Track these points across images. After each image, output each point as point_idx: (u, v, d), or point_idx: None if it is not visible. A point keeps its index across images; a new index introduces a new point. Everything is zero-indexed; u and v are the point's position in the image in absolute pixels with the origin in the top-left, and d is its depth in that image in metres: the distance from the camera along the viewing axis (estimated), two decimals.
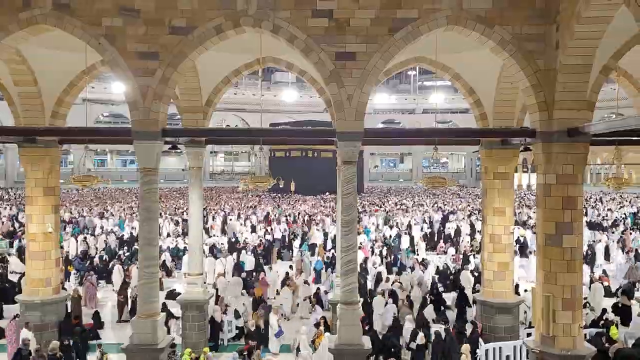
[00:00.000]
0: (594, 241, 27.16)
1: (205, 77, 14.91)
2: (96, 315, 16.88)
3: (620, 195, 52.41)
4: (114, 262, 21.96)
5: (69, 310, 15.71)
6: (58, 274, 15.18)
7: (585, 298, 16.20)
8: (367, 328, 14.50)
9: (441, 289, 19.84)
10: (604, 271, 22.03)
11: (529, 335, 13.47)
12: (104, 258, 23.51)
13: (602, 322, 14.91)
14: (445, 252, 25.95)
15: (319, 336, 13.85)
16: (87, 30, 11.05)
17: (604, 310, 15.93)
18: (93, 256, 23.99)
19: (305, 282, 19.56)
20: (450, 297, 18.66)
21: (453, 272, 21.75)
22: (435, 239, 29.65)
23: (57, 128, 14.29)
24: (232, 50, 13.68)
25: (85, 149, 14.49)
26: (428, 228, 32.58)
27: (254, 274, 21.31)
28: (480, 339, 13.78)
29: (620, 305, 17.12)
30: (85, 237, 28.12)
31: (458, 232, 30.56)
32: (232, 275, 21.13)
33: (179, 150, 15.09)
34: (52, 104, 14.33)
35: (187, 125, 15.30)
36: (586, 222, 33.47)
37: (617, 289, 19.32)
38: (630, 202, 47.15)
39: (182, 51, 11.14)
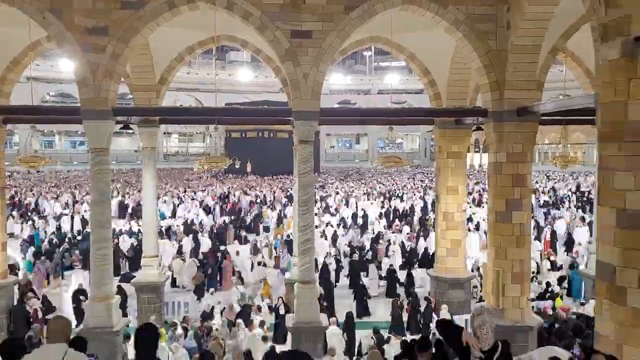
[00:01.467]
0: (553, 219, 27.99)
1: (158, 54, 14.50)
2: (45, 300, 16.35)
3: (564, 175, 54.48)
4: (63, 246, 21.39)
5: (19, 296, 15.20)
6: (5, 259, 14.65)
7: (533, 272, 16.88)
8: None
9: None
10: (551, 246, 22.85)
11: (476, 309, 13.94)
12: (53, 241, 22.81)
13: (548, 294, 15.57)
14: (400, 231, 26.39)
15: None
16: (31, 3, 10.54)
17: (548, 284, 16.63)
18: (42, 239, 23.26)
19: (259, 263, 19.57)
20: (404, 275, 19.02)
21: (408, 249, 22.17)
22: (390, 218, 30.08)
23: (1, 106, 13.65)
24: (185, 27, 13.34)
25: (31, 129, 13.95)
26: (382, 208, 32.98)
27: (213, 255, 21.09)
28: (433, 314, 14.18)
29: (567, 278, 17.91)
30: (33, 221, 27.21)
31: (412, 210, 31.12)
32: (190, 257, 20.88)
33: (131, 131, 14.74)
34: None
35: (139, 104, 14.90)
36: (544, 201, 34.68)
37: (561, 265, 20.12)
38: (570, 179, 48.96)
39: (133, 26, 10.79)
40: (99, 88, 10.87)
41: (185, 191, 39.56)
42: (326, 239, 22.68)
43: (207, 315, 14.39)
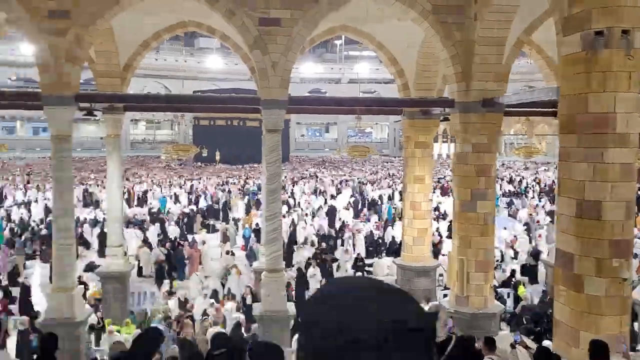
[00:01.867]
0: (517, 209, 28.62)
1: (123, 39, 14.17)
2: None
3: (526, 166, 55.75)
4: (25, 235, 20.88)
5: None
6: None
7: (497, 261, 17.26)
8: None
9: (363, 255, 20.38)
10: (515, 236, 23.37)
11: (445, 296, 14.20)
12: (15, 231, 22.23)
13: (511, 282, 15.94)
14: (369, 220, 26.59)
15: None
16: None
17: (513, 271, 17.03)
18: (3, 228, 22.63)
19: (228, 252, 19.47)
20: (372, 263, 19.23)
21: (376, 238, 22.37)
22: (359, 207, 30.27)
23: None
24: (152, 12, 13.07)
25: None
26: (351, 197, 33.15)
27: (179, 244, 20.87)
28: None
29: (528, 265, 18.36)
30: None
31: (380, 199, 31.38)
32: (157, 246, 20.63)
33: (96, 117, 14.37)
34: None
35: (103, 90, 14.55)
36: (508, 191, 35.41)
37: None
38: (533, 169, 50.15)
39: (96, 10, 10.50)
40: (61, 73, 10.58)
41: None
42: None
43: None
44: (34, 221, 24.43)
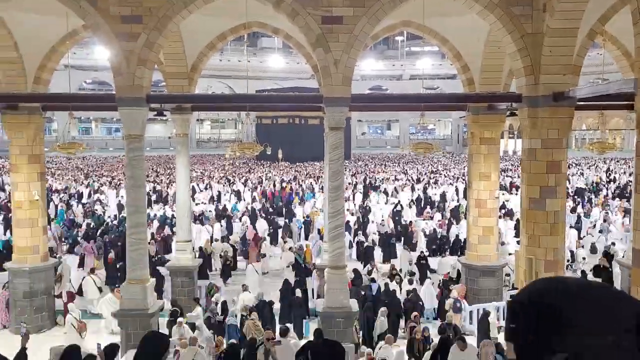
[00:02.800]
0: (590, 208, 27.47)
1: (190, 42, 14.68)
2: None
3: (603, 161, 53.12)
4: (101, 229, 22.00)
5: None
6: (45, 242, 15.15)
7: (568, 261, 16.60)
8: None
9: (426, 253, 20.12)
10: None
11: (511, 297, 13.80)
12: (91, 225, 23.46)
13: None
14: (432, 218, 26.22)
15: None
16: None
17: (583, 273, 16.32)
18: (80, 224, 23.97)
19: (290, 249, 19.73)
20: (436, 262, 18.95)
21: (439, 237, 22.05)
22: (422, 205, 29.90)
23: (40, 94, 14.03)
24: (217, 15, 13.46)
25: (69, 116, 14.27)
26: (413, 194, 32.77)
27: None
28: (464, 301, 14.09)
29: (601, 266, 17.54)
30: (71, 205, 28.02)
31: (444, 197, 30.85)
32: (222, 242, 21.23)
33: (164, 117, 14.99)
34: (34, 69, 14.03)
35: (172, 91, 15.12)
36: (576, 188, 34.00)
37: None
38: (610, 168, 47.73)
39: (166, 14, 10.94)
40: (133, 75, 11.09)
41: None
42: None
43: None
44: (108, 217, 25.68)
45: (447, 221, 24.57)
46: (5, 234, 21.87)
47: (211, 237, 21.14)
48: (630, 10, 6.99)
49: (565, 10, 10.06)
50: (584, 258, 19.17)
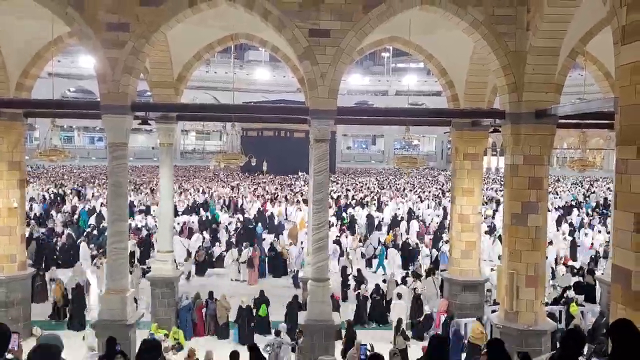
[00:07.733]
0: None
1: (177, 51, 14.63)
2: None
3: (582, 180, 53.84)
4: (81, 239, 21.66)
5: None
6: (23, 250, 14.87)
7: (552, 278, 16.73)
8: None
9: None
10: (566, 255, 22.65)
11: (493, 312, 13.84)
12: (72, 236, 23.09)
13: (563, 299, 15.40)
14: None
15: None
16: None
17: (565, 289, 16.44)
18: (60, 233, 23.59)
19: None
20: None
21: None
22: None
23: (23, 100, 13.86)
24: (205, 25, 13.46)
25: (51, 123, 14.08)
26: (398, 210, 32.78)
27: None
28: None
29: (585, 284, 17.71)
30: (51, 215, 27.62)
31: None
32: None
33: (149, 126, 14.85)
34: (16, 76, 13.85)
35: (157, 100, 15.04)
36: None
37: (579, 269, 19.88)
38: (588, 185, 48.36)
39: (153, 23, 10.91)
40: (118, 83, 11.02)
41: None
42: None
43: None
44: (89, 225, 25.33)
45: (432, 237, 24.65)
46: None
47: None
48: (612, 29, 7.13)
49: (548, 30, 10.26)
50: (563, 275, 19.32)
